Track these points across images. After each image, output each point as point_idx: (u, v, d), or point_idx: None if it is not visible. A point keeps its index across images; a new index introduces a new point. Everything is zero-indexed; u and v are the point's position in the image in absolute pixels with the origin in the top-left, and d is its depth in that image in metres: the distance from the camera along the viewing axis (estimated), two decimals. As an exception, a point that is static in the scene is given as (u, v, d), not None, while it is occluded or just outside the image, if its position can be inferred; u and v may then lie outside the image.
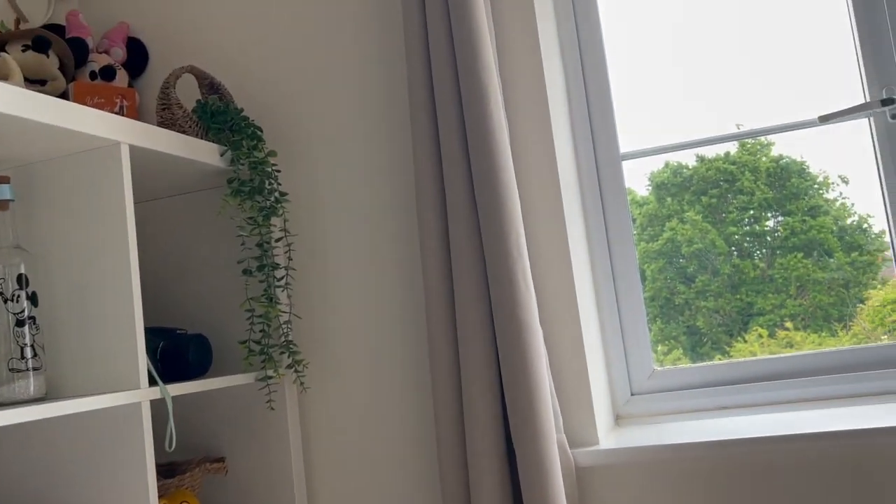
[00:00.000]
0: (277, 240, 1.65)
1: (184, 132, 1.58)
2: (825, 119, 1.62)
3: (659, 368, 1.70)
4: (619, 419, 1.69)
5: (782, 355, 1.67)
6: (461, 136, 1.48)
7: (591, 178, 1.75)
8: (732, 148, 2.66)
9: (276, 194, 1.62)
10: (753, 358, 1.70)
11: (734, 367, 1.67)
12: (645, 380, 1.69)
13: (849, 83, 1.69)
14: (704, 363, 1.73)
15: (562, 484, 1.40)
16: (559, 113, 1.68)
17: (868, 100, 1.60)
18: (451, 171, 1.48)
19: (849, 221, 2.52)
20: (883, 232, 1.93)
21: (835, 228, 2.48)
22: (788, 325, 2.46)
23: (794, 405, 1.59)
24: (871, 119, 1.62)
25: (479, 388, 1.42)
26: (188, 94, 1.75)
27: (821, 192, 2.54)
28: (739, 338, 2.58)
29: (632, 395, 1.69)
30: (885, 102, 1.57)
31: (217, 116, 1.61)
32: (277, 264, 1.61)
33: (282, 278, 1.63)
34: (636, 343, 1.71)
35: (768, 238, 2.64)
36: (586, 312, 1.61)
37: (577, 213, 1.70)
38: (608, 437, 1.56)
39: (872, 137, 1.62)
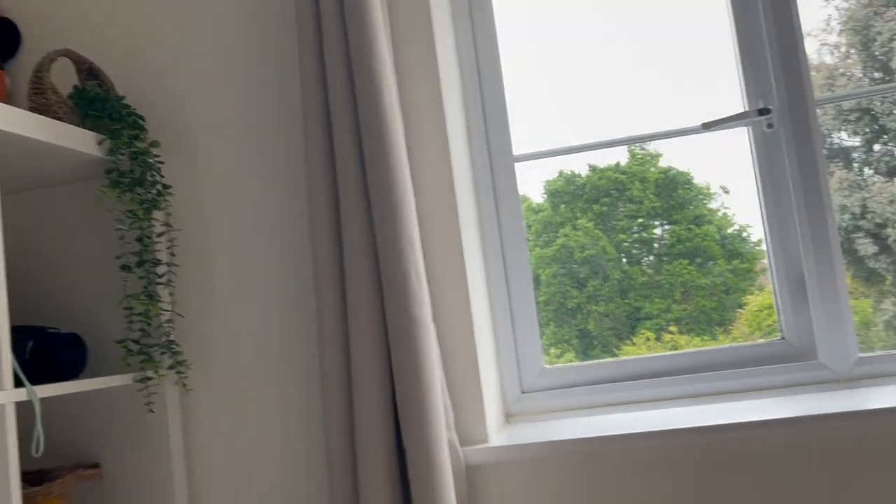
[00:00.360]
0: (159, 234, 1.58)
1: (59, 119, 1.49)
2: (708, 126, 1.69)
3: (548, 367, 1.73)
4: (509, 417, 1.70)
5: (666, 354, 1.73)
6: (354, 133, 1.46)
7: (485, 180, 1.76)
8: (623, 158, 2.75)
9: (159, 187, 1.55)
10: (639, 356, 1.75)
11: (620, 366, 1.71)
12: (535, 378, 1.71)
13: (733, 95, 1.77)
14: (592, 361, 1.76)
15: (452, 482, 1.39)
16: (454, 114, 1.69)
17: (746, 109, 1.69)
18: (343, 168, 1.45)
19: (730, 230, 2.66)
20: (760, 240, 2.03)
21: (717, 237, 2.60)
22: (673, 328, 2.56)
23: (676, 401, 1.64)
24: (750, 129, 1.70)
25: (369, 385, 1.40)
26: (64, 79, 1.65)
27: (705, 202, 2.66)
28: (628, 341, 2.66)
29: (522, 393, 1.71)
30: (761, 112, 1.66)
31: (95, 103, 1.53)
32: (159, 260, 1.54)
33: (163, 275, 1.56)
34: (527, 341, 1.72)
35: (656, 245, 2.74)
36: (479, 311, 1.61)
37: (472, 212, 1.70)
38: (498, 435, 1.57)
39: (751, 147, 1.71)
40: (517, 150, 1.80)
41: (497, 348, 1.72)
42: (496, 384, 1.67)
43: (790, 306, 1.66)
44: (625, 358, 1.77)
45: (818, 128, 1.65)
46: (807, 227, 1.62)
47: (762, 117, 1.66)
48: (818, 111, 2.24)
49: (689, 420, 1.46)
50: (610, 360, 1.74)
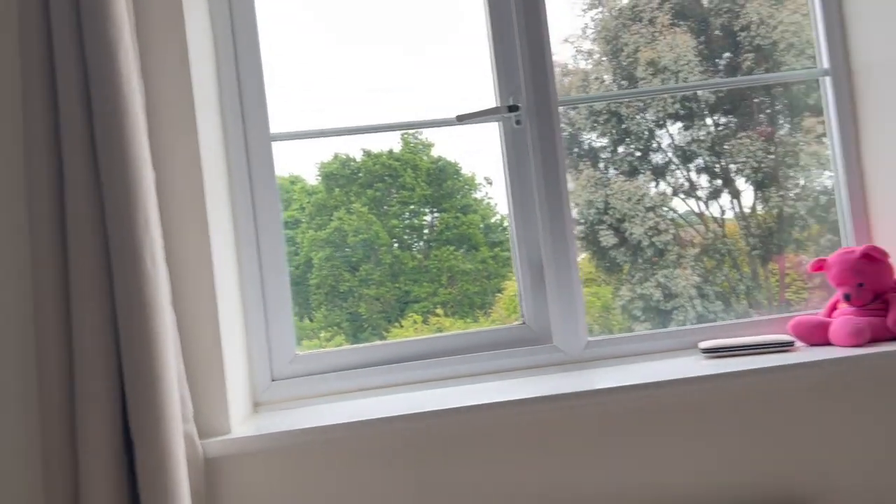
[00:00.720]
0: None
1: None
2: (462, 119, 1.74)
3: (301, 353, 1.70)
4: (257, 406, 1.65)
5: (415, 339, 1.77)
6: (83, 104, 1.31)
7: (239, 158, 1.68)
8: (397, 145, 2.77)
9: None
10: (387, 342, 1.78)
11: (371, 351, 1.72)
12: (287, 365, 1.68)
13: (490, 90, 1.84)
14: (344, 347, 1.76)
15: (186, 478, 1.32)
16: (204, 87, 1.59)
17: (498, 105, 1.76)
18: (69, 141, 1.30)
19: (492, 220, 2.78)
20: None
21: (481, 225, 2.71)
22: (440, 311, 2.64)
23: (423, 385, 1.69)
24: (501, 124, 1.78)
25: (93, 376, 1.28)
26: None
27: (471, 192, 2.76)
28: (397, 324, 2.70)
29: (272, 380, 1.67)
30: (511, 109, 1.74)
31: None
32: None
33: None
34: (279, 328, 1.68)
35: (426, 231, 2.80)
36: (225, 296, 1.54)
37: (223, 191, 1.62)
38: (243, 425, 1.51)
39: (501, 141, 1.79)
40: (283, 128, 1.73)
41: (246, 335, 1.66)
42: (244, 372, 1.61)
43: (531, 293, 1.77)
44: (376, 343, 1.79)
45: (559, 127, 1.76)
46: (547, 220, 1.73)
47: (512, 114, 1.75)
48: (573, 112, 2.39)
49: (431, 403, 1.50)
50: (361, 345, 1.74)
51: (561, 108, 2.02)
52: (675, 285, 2.42)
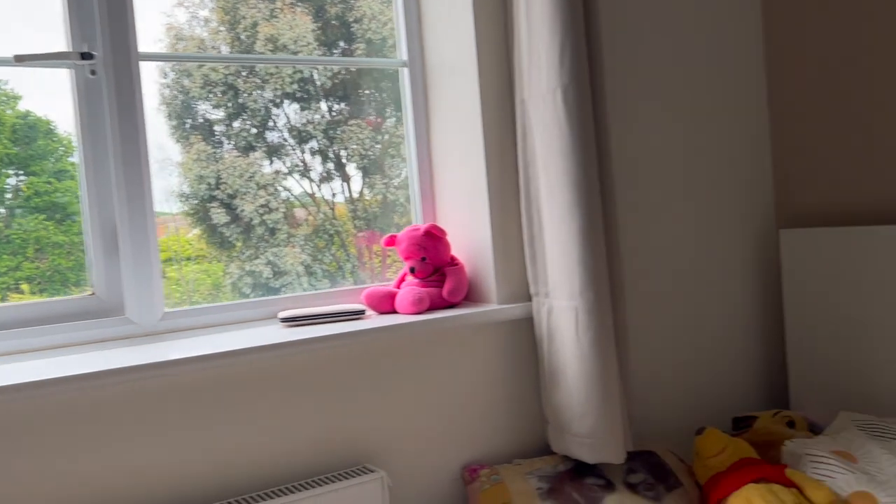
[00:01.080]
0: None
1: None
2: (20, 59, 1.54)
3: None
4: None
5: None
6: None
7: None
8: (-28, 94, 2.39)
9: None
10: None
11: None
12: None
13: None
14: None
15: None
16: None
17: (70, 50, 1.59)
18: None
19: (94, 187, 2.53)
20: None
21: (80, 193, 2.47)
22: (25, 287, 2.35)
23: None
24: (74, 72, 1.61)
25: None
26: None
27: (67, 156, 2.50)
28: (-34, 302, 2.34)
29: None
30: (84, 56, 1.58)
31: None
32: None
33: None
34: None
35: (8, 196, 2.48)
36: None
37: None
38: None
39: (73, 92, 1.62)
40: None
41: None
42: None
43: (103, 262, 1.63)
44: None
45: (140, 84, 1.65)
46: (123, 186, 1.61)
47: (85, 62, 1.59)
48: (187, 80, 2.27)
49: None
50: None
51: (174, 74, 1.91)
52: (285, 263, 2.45)
